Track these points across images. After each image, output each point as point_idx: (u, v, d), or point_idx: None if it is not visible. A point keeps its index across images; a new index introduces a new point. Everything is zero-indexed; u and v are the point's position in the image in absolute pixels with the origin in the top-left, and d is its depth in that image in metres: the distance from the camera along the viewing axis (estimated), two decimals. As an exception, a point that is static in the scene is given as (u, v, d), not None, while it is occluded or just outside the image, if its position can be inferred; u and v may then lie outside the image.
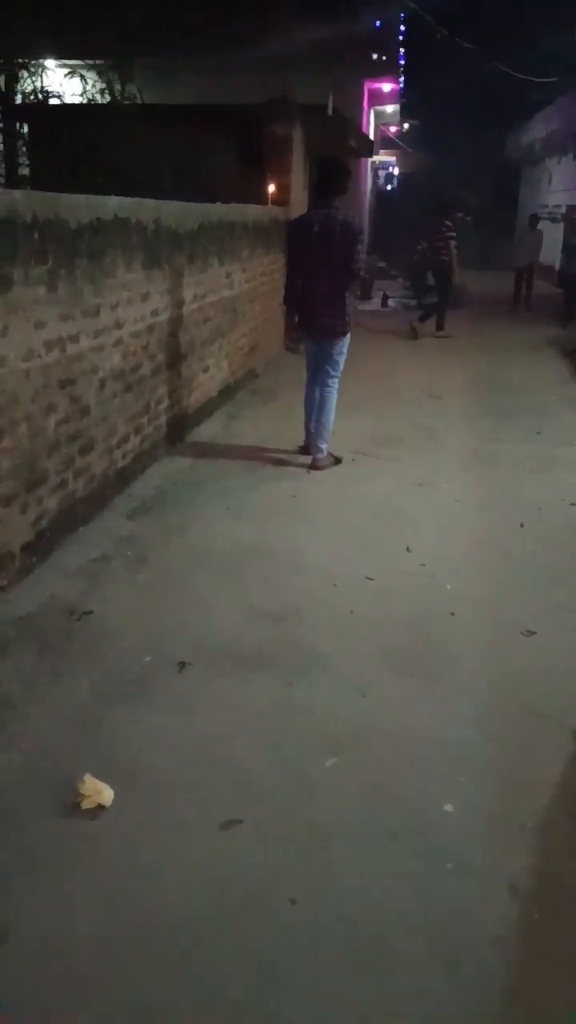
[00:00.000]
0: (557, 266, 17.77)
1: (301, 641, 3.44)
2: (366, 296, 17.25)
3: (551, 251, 17.71)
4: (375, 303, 16.65)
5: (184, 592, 3.88)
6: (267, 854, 2.32)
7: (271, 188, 9.87)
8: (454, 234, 11.83)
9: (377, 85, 18.02)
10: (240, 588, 3.92)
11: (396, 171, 27.89)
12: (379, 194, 27.94)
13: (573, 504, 5.10)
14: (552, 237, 17.99)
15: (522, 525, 4.77)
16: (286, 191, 10.07)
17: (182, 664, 3.23)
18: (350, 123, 11.65)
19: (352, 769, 2.67)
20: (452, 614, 3.71)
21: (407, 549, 4.41)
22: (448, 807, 2.51)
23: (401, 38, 17.65)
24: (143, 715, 2.92)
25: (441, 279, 12.09)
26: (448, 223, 11.90)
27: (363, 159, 18.23)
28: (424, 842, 2.38)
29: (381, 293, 17.04)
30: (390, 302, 16.69)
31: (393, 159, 25.72)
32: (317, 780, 2.62)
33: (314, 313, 5.57)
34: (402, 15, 16.21)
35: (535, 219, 16.51)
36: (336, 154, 5.97)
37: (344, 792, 2.57)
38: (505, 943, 2.05)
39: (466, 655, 3.36)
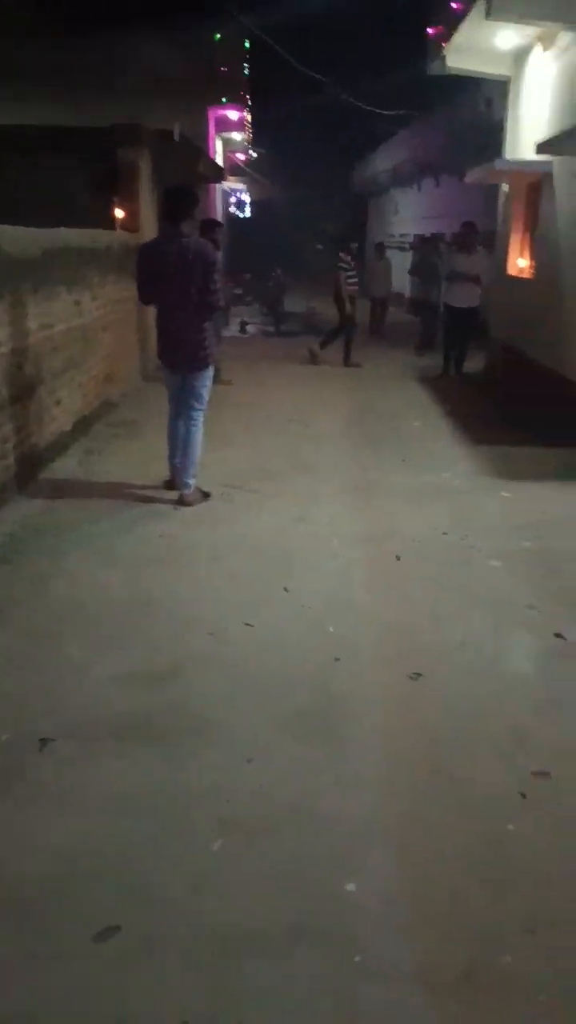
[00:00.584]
0: (408, 293, 18.30)
1: (182, 706, 3.15)
2: (223, 322, 17.18)
3: (401, 278, 18.27)
4: (233, 329, 16.58)
5: (48, 655, 3.51)
6: (149, 968, 2.02)
7: (120, 214, 9.56)
8: (344, 266, 11.93)
9: (223, 112, 18.07)
10: (112, 647, 3.58)
11: (247, 198, 28.10)
12: (231, 221, 28.07)
13: (445, 534, 5.07)
14: (402, 266, 18.62)
15: (399, 558, 4.68)
16: (135, 217, 9.81)
17: (44, 741, 2.87)
18: (198, 149, 11.54)
19: (248, 854, 2.41)
20: (337, 660, 3.52)
21: (285, 590, 4.21)
22: (351, 887, 2.29)
23: (246, 67, 17.79)
24: None
25: (339, 309, 12.10)
26: (342, 255, 12.01)
27: (212, 185, 18.21)
28: (328, 936, 2.14)
29: (239, 320, 17.02)
30: (248, 328, 16.70)
31: (243, 186, 25.88)
32: (206, 872, 2.34)
33: (172, 344, 5.32)
34: (246, 44, 16.33)
35: (381, 247, 16.96)
36: (183, 182, 5.75)
37: (238, 883, 2.30)
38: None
39: (358, 707, 3.17)
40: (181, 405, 5.54)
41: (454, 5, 8.71)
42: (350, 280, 11.97)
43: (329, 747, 2.92)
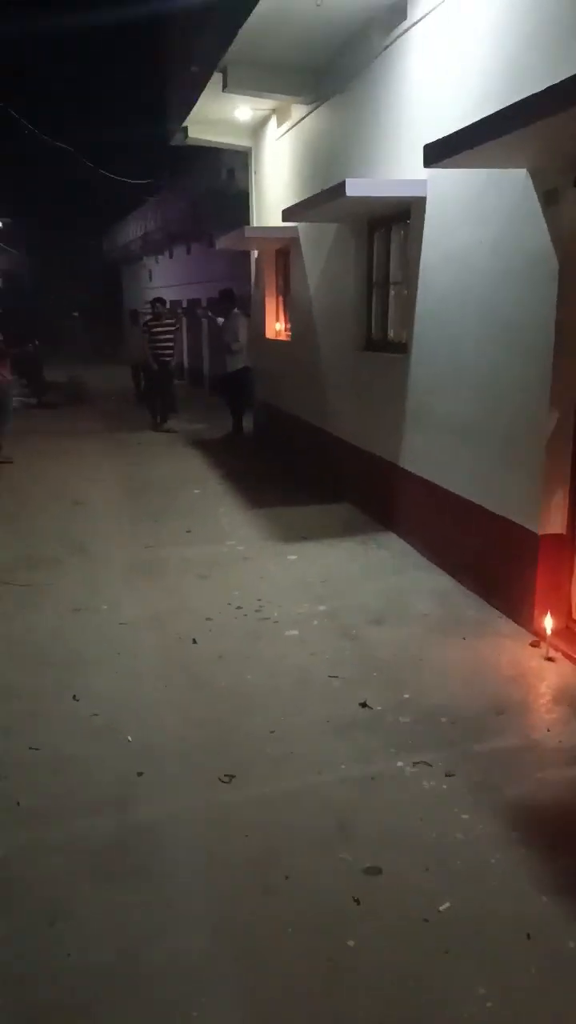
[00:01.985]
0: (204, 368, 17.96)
1: (-44, 869, 2.63)
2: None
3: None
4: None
5: None
6: None
7: None
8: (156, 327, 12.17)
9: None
10: None
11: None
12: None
13: (239, 608, 4.87)
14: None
15: (195, 641, 4.41)
16: None
17: None
18: None
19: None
20: (140, 774, 3.16)
21: (74, 698, 3.78)
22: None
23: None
24: None
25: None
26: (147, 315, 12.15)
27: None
28: None
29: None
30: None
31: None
32: None
33: None
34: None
35: (135, 314, 17.01)
36: None
37: None
38: None
39: (169, 830, 2.82)
40: None
41: (191, 79, 8.87)
42: (161, 340, 12.06)
43: (145, 887, 2.55)
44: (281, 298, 10.16)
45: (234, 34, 6.58)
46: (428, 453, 5.69)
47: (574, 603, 4.33)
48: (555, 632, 4.25)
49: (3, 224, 32.85)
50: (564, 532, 4.32)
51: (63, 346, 25.07)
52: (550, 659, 4.12)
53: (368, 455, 6.81)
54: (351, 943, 2.31)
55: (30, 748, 3.35)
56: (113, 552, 6.05)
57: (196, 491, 8.02)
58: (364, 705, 3.68)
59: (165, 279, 23.24)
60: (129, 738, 3.43)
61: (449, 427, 5.31)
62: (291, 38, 6.65)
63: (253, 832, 2.80)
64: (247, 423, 11.38)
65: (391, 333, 6.56)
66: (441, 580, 5.34)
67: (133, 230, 26.24)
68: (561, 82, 3.07)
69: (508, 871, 2.59)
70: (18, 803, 2.98)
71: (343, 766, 3.21)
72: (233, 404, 11.30)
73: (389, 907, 2.45)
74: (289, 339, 9.55)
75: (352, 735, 3.44)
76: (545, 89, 3.17)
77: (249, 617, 4.76)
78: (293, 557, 5.86)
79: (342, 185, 5.42)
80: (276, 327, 10.35)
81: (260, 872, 2.60)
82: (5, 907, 2.47)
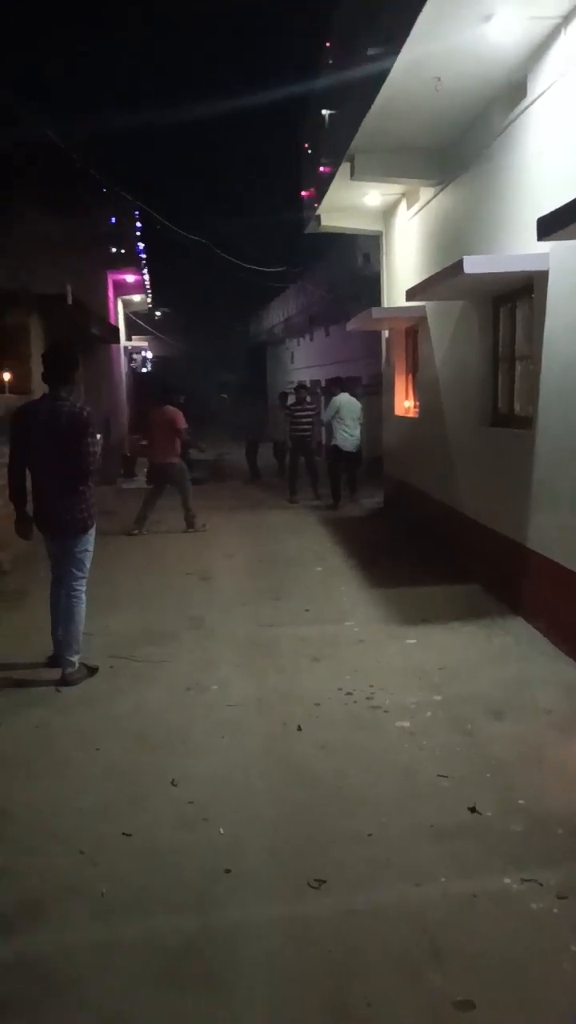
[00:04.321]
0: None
1: (36, 961, 2.58)
2: (130, 474, 17.06)
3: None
4: (140, 480, 16.43)
5: None
6: None
7: (7, 376, 9.44)
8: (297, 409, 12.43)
9: (121, 276, 18.71)
10: (-45, 883, 2.99)
11: (149, 355, 28.92)
12: (136, 376, 28.68)
13: (350, 693, 4.70)
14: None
15: (300, 728, 4.27)
16: (25, 379, 9.70)
17: None
18: (91, 312, 11.69)
19: None
20: (227, 871, 3.03)
21: (173, 783, 3.72)
22: None
23: (139, 233, 18.60)
24: None
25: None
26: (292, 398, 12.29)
27: (113, 345, 18.57)
28: None
29: (145, 470, 16.91)
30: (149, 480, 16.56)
31: (146, 344, 26.64)
32: None
33: (47, 509, 4.99)
34: (136, 212, 17.10)
35: (283, 396, 17.53)
36: (61, 345, 5.59)
37: None
38: None
39: (249, 939, 2.66)
40: (61, 572, 5.15)
41: (322, 169, 9.23)
42: (300, 421, 12.43)
43: (213, 998, 2.40)
44: (410, 376, 10.15)
45: (358, 124, 6.78)
46: (556, 532, 5.37)
47: None
48: None
49: (161, 314, 35.16)
50: None
51: (212, 427, 26.18)
52: None
53: (493, 533, 6.53)
54: None
55: (123, 834, 3.31)
56: (231, 628, 6.05)
57: (319, 568, 7.96)
58: (473, 810, 3.40)
59: (306, 360, 23.95)
60: (221, 830, 3.32)
61: (577, 505, 5.00)
62: (414, 122, 6.79)
63: (336, 947, 2.60)
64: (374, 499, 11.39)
65: (517, 408, 6.34)
66: (570, 671, 4.95)
67: (276, 315, 27.35)
68: None
69: (623, 1022, 2.25)
70: (102, 893, 2.93)
71: (443, 879, 2.95)
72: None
73: (479, 1052, 2.18)
74: (417, 416, 9.47)
75: (456, 844, 3.17)
76: None
77: (359, 704, 4.57)
78: (412, 641, 5.63)
79: (460, 263, 5.37)
80: (405, 404, 10.32)
81: (338, 994, 2.39)
82: (68, 1005, 2.39)
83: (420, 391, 9.23)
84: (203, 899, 2.87)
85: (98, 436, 5.03)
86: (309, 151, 10.10)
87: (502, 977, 2.44)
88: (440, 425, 8.15)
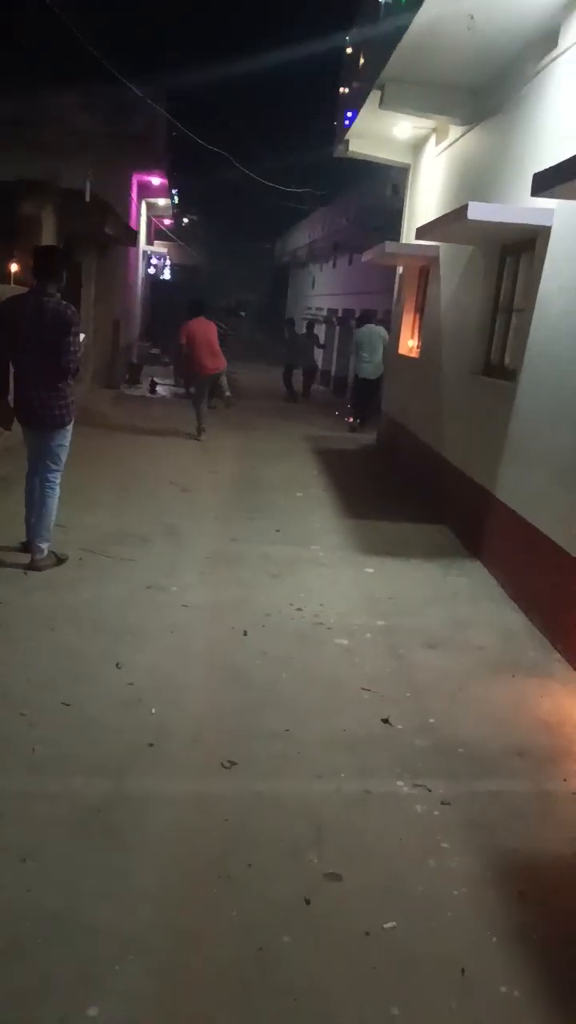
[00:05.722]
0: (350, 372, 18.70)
1: (-41, 796, 2.89)
2: (135, 381, 17.09)
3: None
4: (143, 388, 16.50)
5: None
6: None
7: (15, 267, 9.44)
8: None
9: (146, 178, 18.32)
10: None
11: (169, 262, 28.47)
12: (154, 283, 28.32)
13: (299, 610, 4.96)
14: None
15: (245, 634, 4.54)
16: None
17: None
18: (109, 210, 11.55)
19: (-17, 975, 2.16)
20: (151, 745, 3.32)
21: (117, 666, 4.00)
22: (93, 1011, 2.07)
23: (170, 135, 18.13)
24: None
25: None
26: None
27: (132, 248, 18.32)
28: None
29: (149, 379, 16.96)
30: (158, 389, 16.61)
31: (166, 251, 26.20)
32: None
33: (28, 402, 5.14)
34: (166, 114, 16.65)
35: (291, 322, 17.69)
36: (53, 244, 5.65)
37: (-33, 1010, 2.05)
38: None
39: (157, 804, 2.96)
40: (38, 463, 5.34)
41: (344, 90, 9.04)
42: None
43: (112, 853, 2.69)
44: (417, 316, 10.14)
45: (390, 53, 6.67)
46: (521, 485, 5.56)
47: None
48: (608, 685, 4.07)
49: (188, 221, 34.43)
50: None
51: (227, 345, 25.97)
52: (595, 711, 3.95)
53: (469, 480, 6.71)
54: (286, 939, 2.36)
55: (63, 703, 3.59)
56: (202, 539, 6.28)
57: (299, 494, 8.16)
58: (386, 721, 3.69)
59: (327, 288, 23.62)
60: (153, 711, 3.61)
61: (544, 461, 5.17)
62: (446, 59, 6.66)
63: (234, 820, 2.90)
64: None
65: (507, 360, 6.44)
66: (513, 616, 5.20)
67: (302, 237, 26.84)
68: None
69: (467, 907, 2.55)
70: (34, 750, 3.22)
71: (343, 775, 3.24)
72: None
73: (336, 914, 2.48)
74: (418, 356, 9.52)
75: (363, 749, 3.46)
76: None
77: (306, 620, 4.84)
78: (370, 570, 5.88)
79: (465, 208, 5.40)
80: (409, 344, 10.35)
81: (224, 859, 2.69)
82: (-13, 837, 2.69)
83: (424, 332, 9.27)
84: (123, 767, 3.17)
85: (81, 336, 5.13)
86: (346, 75, 9.85)
87: (372, 862, 2.74)
88: (437, 368, 8.23)
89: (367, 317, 13.89)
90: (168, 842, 2.76)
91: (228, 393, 12.09)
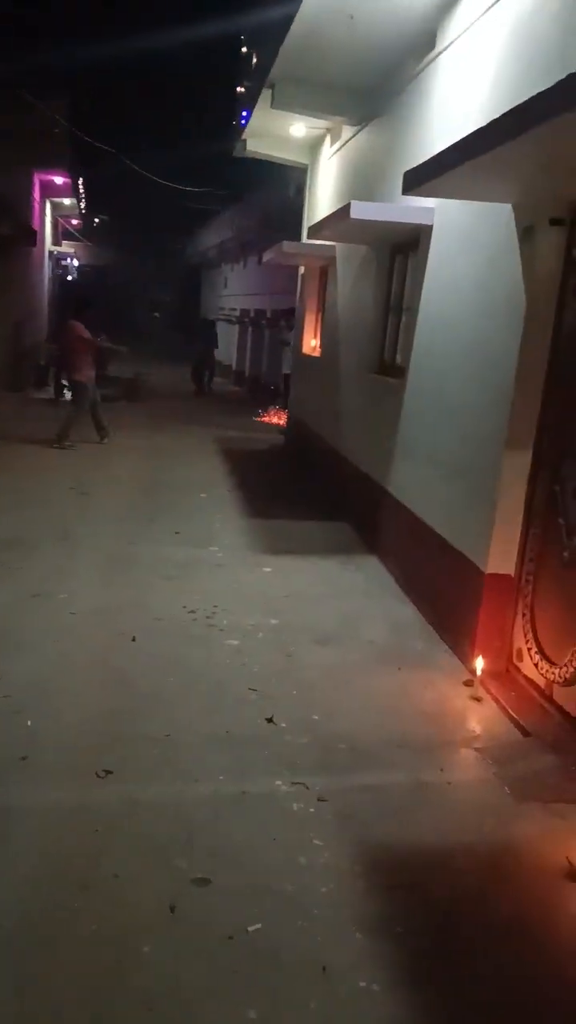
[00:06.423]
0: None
1: None
2: (41, 384, 16.67)
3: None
4: (51, 391, 16.10)
5: None
6: None
7: None
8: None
9: (48, 177, 17.94)
10: None
11: (75, 263, 27.93)
12: (62, 283, 27.72)
13: (192, 612, 4.91)
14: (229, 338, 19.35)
15: (134, 639, 4.46)
16: None
17: None
18: (3, 210, 11.24)
19: None
20: (24, 759, 3.22)
21: (-6, 677, 3.88)
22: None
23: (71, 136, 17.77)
24: None
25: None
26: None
27: (36, 249, 17.89)
28: None
29: (56, 381, 16.55)
30: (67, 392, 16.23)
31: (72, 251, 25.70)
32: None
33: None
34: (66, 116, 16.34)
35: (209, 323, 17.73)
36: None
37: None
38: None
39: (22, 820, 2.87)
40: None
41: (239, 89, 9.04)
42: None
43: (-26, 864, 2.60)
44: (319, 315, 10.21)
45: (277, 49, 6.68)
46: (411, 482, 5.64)
47: (515, 646, 4.23)
48: (490, 673, 4.16)
49: (99, 221, 33.79)
50: (511, 573, 4.22)
51: (141, 345, 25.61)
52: (477, 699, 4.03)
53: (366, 477, 6.78)
54: (146, 949, 2.32)
55: None
56: (97, 542, 6.17)
57: (203, 495, 8.10)
58: (270, 721, 3.67)
59: (240, 288, 23.57)
60: (29, 723, 3.50)
61: (429, 458, 5.26)
62: (333, 60, 6.72)
63: (104, 830, 2.83)
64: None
65: (398, 359, 6.53)
66: (404, 610, 5.28)
67: (211, 237, 26.72)
68: (506, 113, 3.03)
69: (334, 903, 2.55)
70: None
71: (221, 777, 3.21)
72: None
73: (200, 919, 2.44)
74: (320, 356, 9.59)
75: (244, 749, 3.43)
76: (498, 117, 3.14)
77: (198, 622, 4.79)
78: (268, 569, 5.87)
79: (348, 207, 5.44)
80: (312, 343, 10.41)
81: (88, 868, 2.62)
82: None
83: (324, 331, 9.33)
84: (-8, 781, 3.06)
85: None
86: (239, 74, 9.84)
87: (243, 863, 2.71)
88: (336, 367, 8.29)
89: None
90: (31, 855, 2.68)
91: (105, 425, 10.42)
